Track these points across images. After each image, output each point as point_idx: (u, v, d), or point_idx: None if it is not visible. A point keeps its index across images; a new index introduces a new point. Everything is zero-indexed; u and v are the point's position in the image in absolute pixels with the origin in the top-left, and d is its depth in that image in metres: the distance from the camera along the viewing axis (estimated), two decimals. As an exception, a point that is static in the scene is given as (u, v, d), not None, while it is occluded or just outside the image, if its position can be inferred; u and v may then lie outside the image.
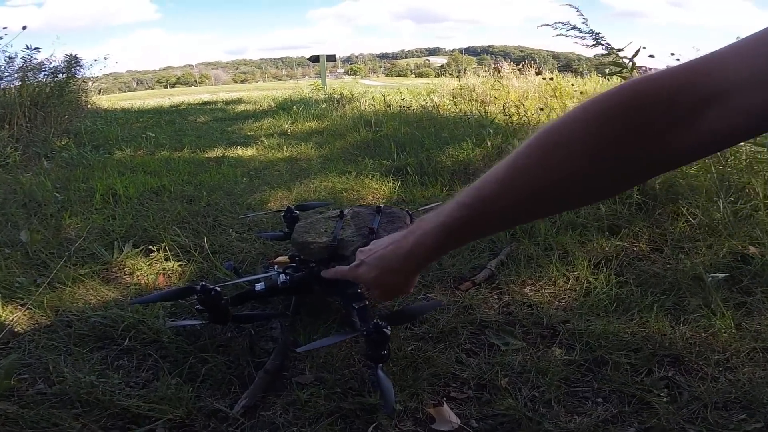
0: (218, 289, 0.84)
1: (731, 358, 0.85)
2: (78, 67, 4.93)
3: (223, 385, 0.80)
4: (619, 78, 1.97)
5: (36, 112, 3.65)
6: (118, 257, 1.29)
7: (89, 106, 5.69)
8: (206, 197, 1.84)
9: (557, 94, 4.01)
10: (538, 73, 3.78)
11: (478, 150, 2.39)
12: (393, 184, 1.97)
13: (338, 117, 4.25)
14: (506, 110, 3.28)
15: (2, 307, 1.02)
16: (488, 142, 2.43)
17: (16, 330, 0.94)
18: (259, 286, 0.91)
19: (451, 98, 4.61)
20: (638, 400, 0.76)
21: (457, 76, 6.48)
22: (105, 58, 5.52)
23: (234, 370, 0.84)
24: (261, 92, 10.35)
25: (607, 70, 2.37)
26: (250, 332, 0.93)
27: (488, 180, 0.43)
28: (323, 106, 5.11)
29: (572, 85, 4.46)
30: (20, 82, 3.83)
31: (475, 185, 0.44)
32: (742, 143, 1.85)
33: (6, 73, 3.99)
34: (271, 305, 1.02)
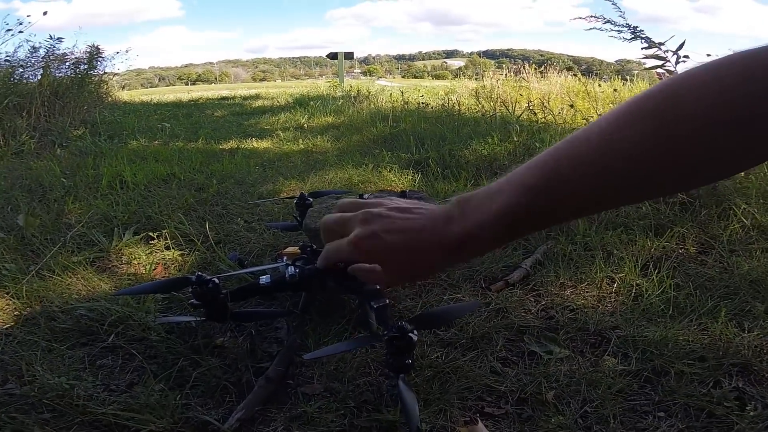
0: (216, 281, 0.73)
1: None
2: (100, 58, 4.97)
3: (217, 393, 0.69)
4: (662, 73, 1.82)
5: (55, 102, 3.66)
6: (116, 245, 1.19)
7: (109, 98, 5.73)
8: (216, 185, 1.74)
9: (587, 94, 3.84)
10: (568, 69, 3.61)
11: (504, 145, 2.27)
12: (413, 177, 1.85)
13: (355, 112, 4.17)
14: (531, 109, 3.15)
15: None
16: (515, 137, 2.32)
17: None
18: (264, 279, 0.79)
19: (472, 96, 4.47)
20: (707, 413, 0.65)
21: (475, 78, 6.34)
22: (127, 51, 5.54)
23: (230, 375, 0.72)
24: (279, 89, 10.36)
25: (649, 64, 2.22)
26: (252, 332, 0.81)
27: (561, 156, 0.34)
28: (340, 102, 5.03)
29: (599, 85, 4.30)
30: (41, 72, 3.85)
31: (543, 161, 0.35)
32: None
33: (28, 64, 4.02)
34: (277, 302, 0.91)
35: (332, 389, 0.70)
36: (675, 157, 0.31)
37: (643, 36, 1.95)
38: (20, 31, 3.92)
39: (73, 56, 4.58)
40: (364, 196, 0.76)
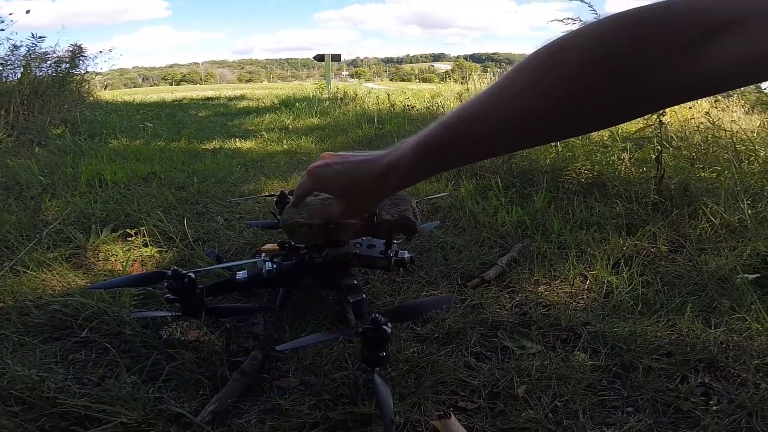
0: (192, 275, 0.73)
1: None
2: (82, 57, 4.88)
3: (191, 387, 0.69)
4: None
5: (35, 100, 3.58)
6: (93, 241, 1.18)
7: (91, 97, 5.63)
8: (197, 184, 1.73)
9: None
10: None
11: None
12: (396, 177, 1.86)
13: (341, 114, 4.17)
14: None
15: None
16: None
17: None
18: (241, 274, 0.80)
19: (457, 99, 4.51)
20: (674, 408, 0.67)
21: (461, 82, 6.40)
22: (110, 51, 5.46)
23: (205, 369, 0.72)
24: (265, 90, 10.30)
25: None
26: (228, 327, 0.82)
27: (474, 102, 0.40)
28: (326, 104, 5.03)
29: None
30: (21, 70, 3.77)
31: (461, 106, 0.41)
32: (759, 146, 1.79)
33: (8, 63, 3.93)
34: (255, 297, 0.91)
35: (308, 383, 0.70)
36: (555, 97, 0.35)
37: None
38: (1, 30, 3.84)
39: (54, 55, 4.50)
40: None
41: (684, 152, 1.86)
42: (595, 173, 1.77)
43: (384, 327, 0.59)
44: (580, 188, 1.62)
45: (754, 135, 2.06)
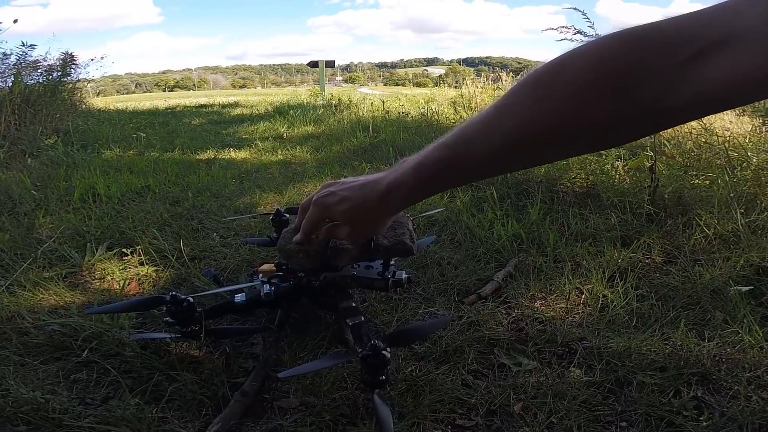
0: (191, 299, 0.73)
1: (763, 376, 0.77)
2: (73, 66, 4.85)
3: (194, 407, 0.69)
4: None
5: (26, 110, 3.55)
6: (89, 260, 1.17)
7: (83, 106, 5.59)
8: (192, 199, 1.73)
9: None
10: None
11: None
12: (391, 188, 1.86)
13: (336, 122, 4.18)
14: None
15: None
16: None
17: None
18: (239, 297, 0.80)
19: (451, 105, 4.54)
20: (667, 423, 0.68)
21: (455, 86, 6.43)
22: (102, 58, 5.44)
23: (206, 390, 0.73)
24: (259, 97, 10.30)
25: None
26: (226, 348, 0.82)
27: (473, 122, 0.40)
28: (321, 111, 5.04)
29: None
30: (12, 79, 3.74)
31: (460, 126, 0.42)
32: (751, 153, 1.81)
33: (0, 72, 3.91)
34: (254, 318, 0.91)
35: (308, 403, 0.71)
36: (555, 118, 0.35)
37: None
38: None
39: (45, 63, 4.47)
40: None
41: (678, 159, 1.87)
42: (590, 183, 1.78)
43: (384, 352, 0.60)
44: (575, 199, 1.63)
45: (746, 140, 2.08)
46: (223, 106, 7.38)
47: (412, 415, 0.67)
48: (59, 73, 4.57)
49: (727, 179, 1.56)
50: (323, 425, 0.66)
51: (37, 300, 0.98)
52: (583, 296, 1.05)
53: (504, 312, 0.98)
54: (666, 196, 1.54)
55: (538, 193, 1.63)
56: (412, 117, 4.17)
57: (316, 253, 0.66)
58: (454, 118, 3.90)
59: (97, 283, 1.09)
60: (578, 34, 2.27)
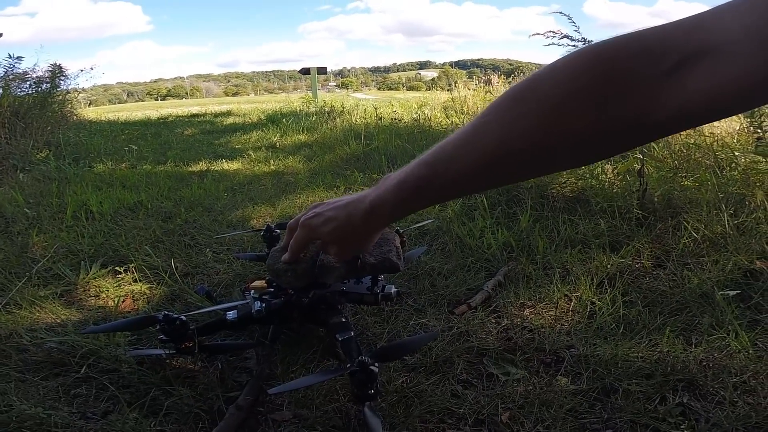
0: (183, 318, 0.75)
1: (749, 381, 0.79)
2: (62, 77, 4.84)
3: (190, 420, 0.71)
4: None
5: (16, 123, 3.54)
6: (83, 278, 1.18)
7: (74, 117, 5.58)
8: (184, 214, 1.74)
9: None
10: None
11: None
12: (383, 198, 1.88)
13: (328, 130, 4.20)
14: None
15: None
16: None
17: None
18: (231, 314, 0.82)
19: (443, 110, 4.57)
20: (653, 429, 0.70)
21: (447, 89, 6.47)
22: (92, 69, 5.43)
23: (202, 403, 0.74)
24: (251, 105, 10.32)
25: None
26: (219, 364, 0.83)
27: (450, 139, 0.41)
28: (314, 119, 5.06)
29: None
30: (1, 92, 3.73)
31: (439, 144, 0.42)
32: (738, 153, 1.84)
33: None
34: (247, 333, 0.93)
35: (301, 416, 0.72)
36: (532, 134, 0.35)
37: None
38: None
39: (34, 75, 4.46)
40: None
41: (667, 161, 1.88)
42: (579, 188, 1.79)
43: (372, 368, 0.62)
44: (564, 204, 1.65)
45: (734, 140, 2.09)
46: (216, 115, 7.38)
47: (402, 426, 0.69)
48: (48, 85, 4.56)
49: (715, 180, 1.57)
50: (315, 437, 0.68)
51: (34, 318, 0.99)
52: (571, 303, 1.06)
53: (493, 321, 1.00)
54: (655, 199, 1.55)
55: (528, 199, 1.65)
56: (404, 123, 4.20)
57: (304, 272, 0.68)
58: (446, 123, 3.93)
59: (92, 301, 1.10)
60: (565, 38, 2.29)
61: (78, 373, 0.81)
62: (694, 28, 0.30)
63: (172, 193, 2.07)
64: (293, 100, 8.04)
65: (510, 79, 5.87)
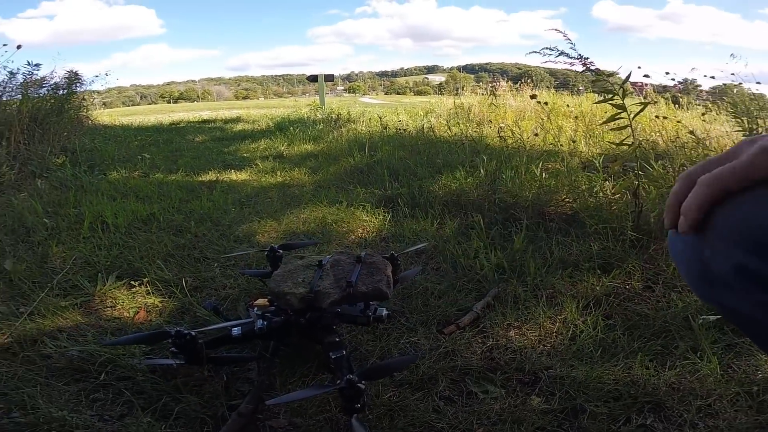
0: (193, 333, 0.83)
1: (714, 404, 0.83)
2: (78, 83, 4.98)
3: (197, 425, 0.80)
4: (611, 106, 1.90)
5: (35, 128, 3.65)
6: (100, 289, 1.28)
7: (90, 122, 5.72)
8: (194, 228, 1.83)
9: (550, 118, 4.03)
10: (532, 97, 3.83)
11: (471, 179, 2.35)
12: (383, 216, 1.96)
13: (334, 140, 4.29)
14: (501, 135, 3.30)
15: None
16: (481, 170, 2.39)
17: (-6, 359, 0.94)
18: (235, 330, 0.90)
19: (446, 120, 4.63)
20: None
21: (455, 94, 6.51)
22: (106, 74, 5.58)
23: (208, 410, 0.83)
24: (261, 110, 10.49)
25: (598, 99, 2.37)
26: (223, 375, 0.92)
27: None
28: (320, 127, 5.16)
29: (567, 105, 4.51)
30: (20, 98, 3.84)
31: None
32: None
33: (6, 90, 4.01)
34: (250, 347, 1.01)
35: (295, 424, 0.80)
36: None
37: (593, 68, 2.11)
38: None
39: (52, 80, 4.59)
40: (323, 261, 0.87)
41: (669, 177, 1.86)
42: (575, 209, 1.81)
43: (358, 386, 0.69)
44: (560, 225, 1.67)
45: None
46: (226, 121, 7.52)
47: (386, 438, 0.77)
48: (65, 91, 4.69)
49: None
50: (308, 445, 0.75)
51: (56, 326, 1.09)
52: (556, 325, 1.11)
53: (479, 341, 1.07)
54: (651, 219, 1.55)
55: (525, 219, 1.70)
56: (409, 132, 4.27)
57: (302, 297, 0.76)
58: (449, 135, 3.98)
59: (109, 311, 1.19)
60: (562, 56, 2.32)
61: (97, 379, 0.90)
62: None
63: (182, 205, 2.17)
64: (301, 105, 8.17)
65: (518, 85, 5.91)
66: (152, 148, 4.31)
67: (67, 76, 4.83)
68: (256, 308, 0.97)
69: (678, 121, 3.07)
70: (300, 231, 1.83)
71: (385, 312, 0.90)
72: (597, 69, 2.08)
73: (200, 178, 2.89)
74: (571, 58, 2.30)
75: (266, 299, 0.98)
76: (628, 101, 1.74)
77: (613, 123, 1.78)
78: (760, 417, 0.79)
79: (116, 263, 1.46)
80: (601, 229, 1.58)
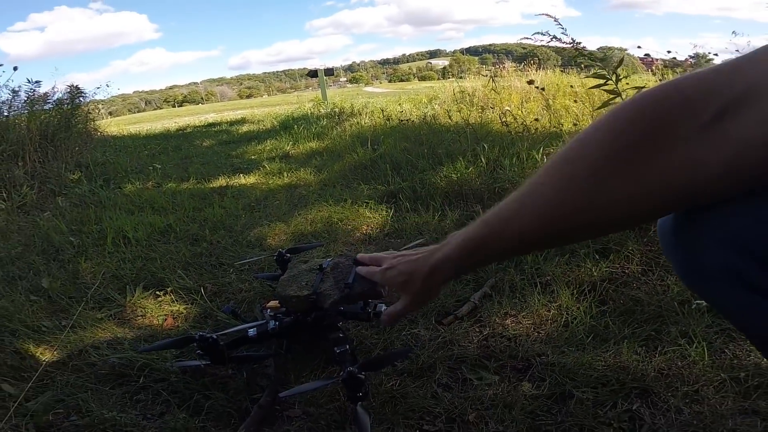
0: (215, 337, 0.94)
1: (701, 390, 0.85)
2: (81, 96, 5.10)
3: (224, 418, 0.91)
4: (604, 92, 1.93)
5: (47, 146, 3.76)
6: (130, 300, 1.40)
7: (98, 134, 5.88)
8: (209, 236, 1.94)
9: (555, 99, 4.02)
10: (530, 82, 3.82)
11: (472, 168, 2.37)
12: (386, 212, 2.04)
13: (338, 135, 4.36)
14: (503, 120, 3.32)
15: (35, 349, 1.16)
16: (482, 159, 2.42)
17: (48, 370, 1.07)
18: (251, 331, 1.01)
19: (449, 108, 4.65)
20: None
21: (460, 77, 6.47)
22: (107, 85, 5.71)
23: (233, 404, 0.94)
24: (265, 108, 10.60)
25: (591, 85, 2.39)
26: (244, 372, 1.03)
27: (510, 200, 0.42)
28: (324, 123, 5.24)
29: (571, 86, 4.48)
30: (27, 116, 3.94)
31: (500, 204, 0.43)
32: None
33: (13, 108, 4.12)
34: (266, 346, 1.11)
35: (308, 412, 0.91)
36: (581, 195, 0.35)
37: (586, 53, 2.14)
38: None
39: (54, 96, 4.70)
40: (324, 265, 0.96)
41: None
42: None
43: (358, 376, 0.79)
44: None
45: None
46: (231, 123, 7.65)
47: (388, 422, 0.87)
48: (69, 105, 4.80)
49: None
50: (319, 429, 0.86)
51: (96, 337, 1.21)
52: (551, 312, 1.15)
53: (476, 330, 1.14)
54: None
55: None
56: (412, 121, 4.30)
57: (305, 299, 0.86)
58: (451, 123, 4.00)
59: (140, 320, 1.31)
60: (554, 40, 2.33)
61: (137, 382, 1.02)
62: (732, 74, 0.29)
63: (196, 214, 2.29)
64: (304, 100, 8.24)
65: (521, 66, 5.87)
66: (162, 156, 4.45)
67: (68, 90, 4.95)
68: (268, 310, 1.08)
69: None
70: (308, 232, 1.93)
71: (384, 308, 0.99)
72: (589, 53, 2.10)
73: (211, 185, 3.01)
74: (563, 43, 2.32)
75: (277, 302, 1.08)
76: (635, 78, 1.76)
77: (607, 108, 1.82)
78: (745, 403, 0.82)
79: (141, 275, 1.58)
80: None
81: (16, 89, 4.23)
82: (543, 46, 2.40)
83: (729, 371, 0.89)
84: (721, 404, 0.82)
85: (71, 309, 1.36)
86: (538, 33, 2.41)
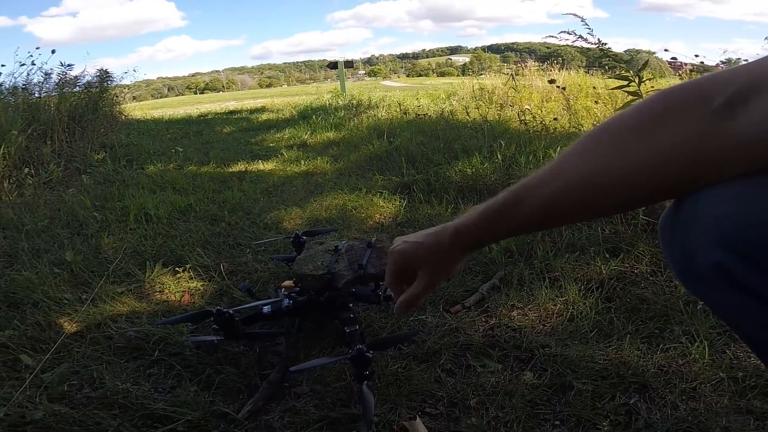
0: (231, 312, 0.98)
1: (698, 387, 0.86)
2: (109, 80, 5.26)
3: (234, 392, 0.94)
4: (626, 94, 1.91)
5: (74, 127, 3.91)
6: (149, 275, 1.45)
7: (123, 117, 6.04)
8: (227, 217, 2.00)
9: (577, 99, 3.96)
10: (551, 81, 3.77)
11: (488, 164, 2.37)
12: (399, 202, 2.07)
13: (355, 127, 4.39)
14: (521, 118, 3.29)
15: (55, 321, 1.20)
16: (498, 155, 2.42)
17: (66, 342, 1.11)
18: (266, 308, 1.05)
19: (467, 105, 4.62)
20: (592, 425, 0.80)
21: (480, 74, 6.41)
22: (134, 70, 5.87)
23: (243, 379, 0.97)
24: (285, 98, 10.69)
25: (613, 86, 2.36)
26: (257, 348, 1.06)
27: (537, 171, 0.43)
28: (341, 114, 5.27)
29: (594, 87, 4.40)
30: (57, 98, 4.09)
31: (528, 176, 0.44)
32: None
33: (44, 90, 4.27)
34: (278, 324, 1.15)
35: (315, 390, 0.94)
36: (606, 169, 0.37)
37: (611, 54, 2.12)
38: (32, 63, 4.21)
39: (84, 79, 4.86)
40: (339, 246, 0.99)
41: None
42: None
43: (366, 354, 0.82)
44: None
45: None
46: (251, 111, 7.73)
47: (392, 402, 0.89)
48: (97, 89, 4.96)
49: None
50: (325, 406, 0.89)
51: (115, 310, 1.26)
52: (557, 306, 1.17)
53: (483, 320, 1.17)
54: (667, 203, 1.57)
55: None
56: (429, 116, 4.30)
57: (320, 278, 0.90)
58: (468, 120, 3.98)
59: (158, 296, 1.36)
60: (579, 40, 2.31)
61: (152, 356, 1.06)
62: (744, 69, 0.32)
63: (215, 196, 2.35)
64: (323, 91, 8.28)
65: (544, 65, 5.80)
66: (184, 140, 4.54)
67: (98, 74, 5.11)
68: (283, 289, 1.11)
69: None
70: (322, 218, 1.97)
71: (394, 290, 1.02)
72: (614, 54, 2.08)
73: (230, 169, 3.07)
74: (588, 43, 2.29)
75: (292, 281, 1.12)
76: (661, 82, 1.74)
77: (628, 108, 1.80)
78: (741, 402, 0.83)
79: (161, 251, 1.64)
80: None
81: (49, 72, 4.37)
82: (568, 45, 2.37)
83: (728, 371, 0.90)
84: (717, 402, 0.83)
85: (93, 282, 1.41)
86: (564, 32, 2.38)
